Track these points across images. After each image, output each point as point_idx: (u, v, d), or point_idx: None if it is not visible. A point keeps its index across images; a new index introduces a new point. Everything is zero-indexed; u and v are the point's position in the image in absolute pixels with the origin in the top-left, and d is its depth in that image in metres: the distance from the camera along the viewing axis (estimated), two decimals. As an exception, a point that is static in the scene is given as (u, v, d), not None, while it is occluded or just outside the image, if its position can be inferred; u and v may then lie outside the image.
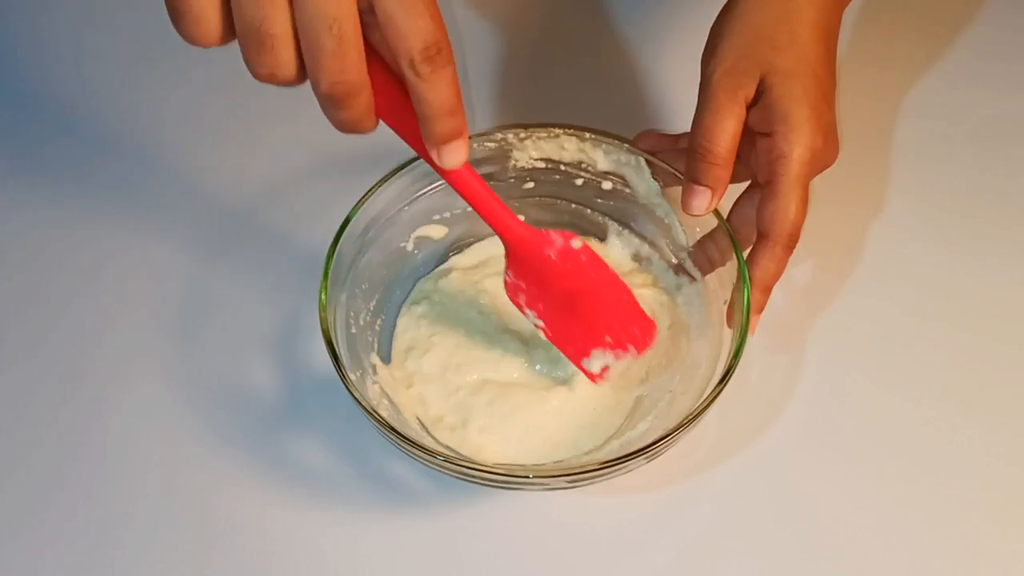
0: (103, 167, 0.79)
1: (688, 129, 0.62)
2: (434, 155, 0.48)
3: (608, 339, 0.62)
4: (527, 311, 0.61)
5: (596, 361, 0.63)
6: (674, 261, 0.68)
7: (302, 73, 0.45)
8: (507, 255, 0.59)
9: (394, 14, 0.43)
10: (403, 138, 0.50)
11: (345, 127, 0.46)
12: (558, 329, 0.62)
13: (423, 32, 0.43)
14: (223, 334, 0.69)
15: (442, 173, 0.51)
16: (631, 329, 0.62)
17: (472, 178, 0.53)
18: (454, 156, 0.47)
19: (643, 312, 0.63)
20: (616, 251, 0.71)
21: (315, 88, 0.44)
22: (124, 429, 0.66)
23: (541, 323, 0.62)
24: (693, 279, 0.67)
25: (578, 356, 0.63)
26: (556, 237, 0.58)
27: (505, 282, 0.60)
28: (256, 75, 0.45)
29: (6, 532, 0.62)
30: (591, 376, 0.63)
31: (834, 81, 0.62)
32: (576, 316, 0.61)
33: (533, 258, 0.59)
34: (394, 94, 0.47)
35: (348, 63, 0.43)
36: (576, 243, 0.59)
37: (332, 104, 0.45)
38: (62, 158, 0.79)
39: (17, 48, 0.87)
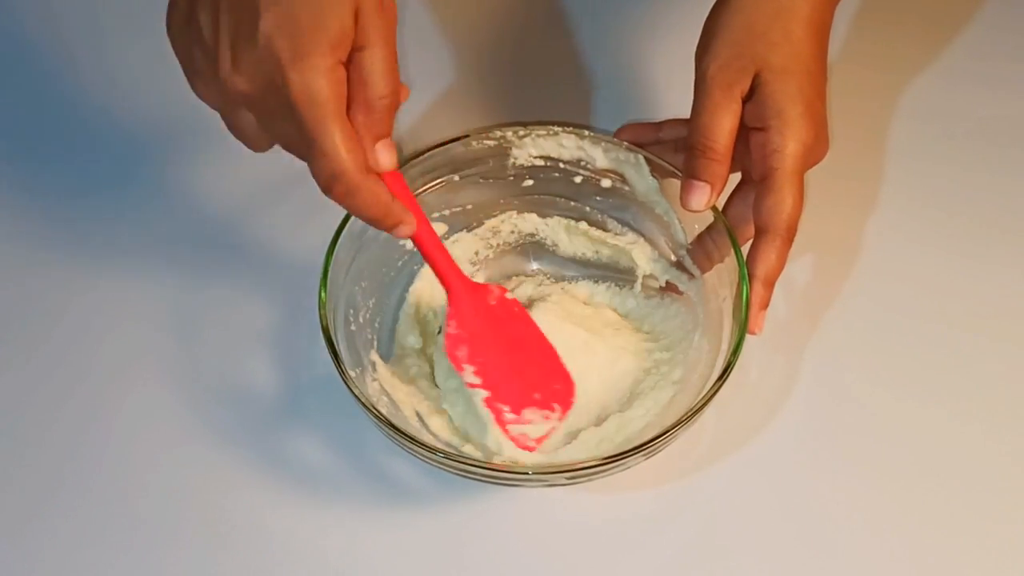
0: (102, 165, 0.79)
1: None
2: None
3: (537, 396, 0.63)
4: (465, 367, 0.61)
5: (526, 425, 0.63)
6: (673, 259, 0.69)
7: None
8: (450, 306, 0.61)
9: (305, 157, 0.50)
10: None
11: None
12: (494, 384, 0.62)
13: (325, 173, 0.50)
14: (223, 332, 0.69)
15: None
16: (555, 386, 0.64)
17: (427, 232, 0.58)
18: (400, 233, 0.56)
19: (565, 369, 0.64)
20: None
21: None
22: (124, 428, 0.66)
23: (478, 380, 0.62)
24: (692, 276, 0.67)
25: (513, 410, 0.62)
26: (494, 288, 0.63)
27: (447, 335, 0.61)
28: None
29: (6, 532, 0.62)
30: (521, 444, 0.62)
31: (825, 77, 0.62)
32: (510, 369, 0.63)
33: (476, 307, 0.62)
34: None
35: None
36: (509, 295, 0.64)
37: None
38: (60, 156, 0.79)
39: (15, 46, 0.87)
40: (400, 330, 0.68)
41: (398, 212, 0.54)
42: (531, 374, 0.63)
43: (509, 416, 0.62)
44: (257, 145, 0.53)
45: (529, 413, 0.63)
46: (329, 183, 0.50)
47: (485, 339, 0.62)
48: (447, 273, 0.60)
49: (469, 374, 0.62)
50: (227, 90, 0.49)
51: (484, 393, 0.61)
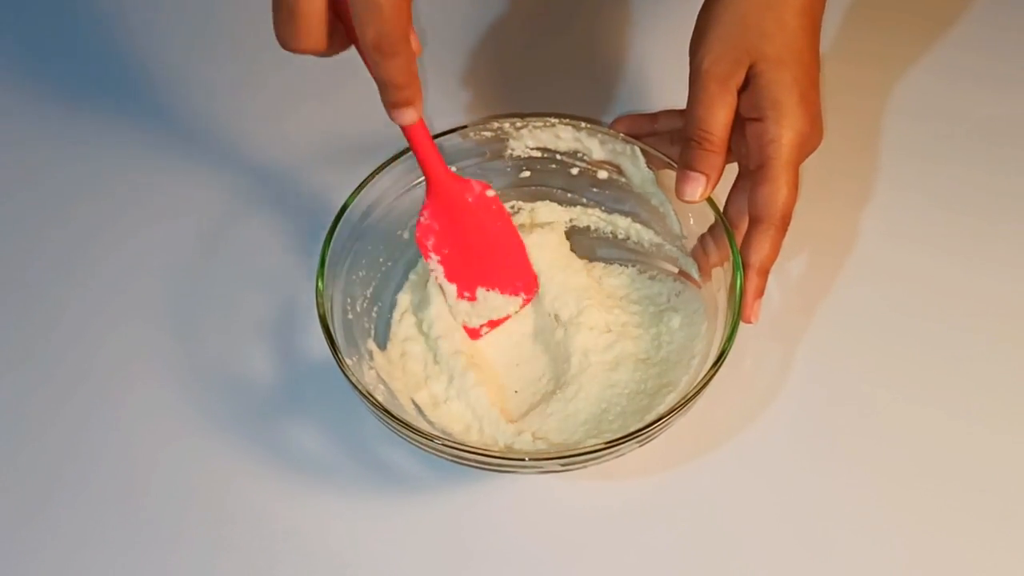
0: (99, 160, 0.79)
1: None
2: (389, 115, 0.56)
3: (497, 288, 0.67)
4: (431, 254, 0.65)
5: (475, 308, 0.66)
6: (668, 249, 0.69)
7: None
8: (428, 197, 0.63)
9: (355, 5, 0.50)
10: None
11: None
12: (454, 271, 0.66)
13: (376, 26, 0.50)
14: (221, 322, 0.70)
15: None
16: (516, 282, 0.67)
17: (420, 124, 0.59)
18: (403, 117, 0.56)
19: (531, 267, 0.67)
20: None
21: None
22: (124, 422, 0.66)
23: (440, 268, 0.65)
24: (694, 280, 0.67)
25: (466, 291, 0.66)
26: (475, 184, 0.64)
27: (418, 223, 0.64)
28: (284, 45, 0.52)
29: (8, 528, 0.62)
30: (469, 331, 0.67)
31: (819, 66, 0.63)
32: (474, 259, 0.66)
33: (453, 200, 0.63)
34: None
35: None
36: (490, 192, 0.65)
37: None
38: (58, 152, 0.80)
39: (19, 41, 0.87)
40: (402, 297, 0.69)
41: (417, 89, 0.54)
42: (496, 267, 0.66)
43: (461, 296, 0.66)
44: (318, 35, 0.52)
45: (483, 294, 0.66)
46: (376, 41, 0.51)
47: (454, 230, 0.65)
48: (430, 163, 0.61)
49: (433, 262, 0.65)
50: None
51: (441, 271, 0.65)
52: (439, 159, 0.61)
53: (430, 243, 0.64)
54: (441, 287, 0.65)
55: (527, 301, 0.67)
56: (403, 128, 0.58)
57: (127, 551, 0.61)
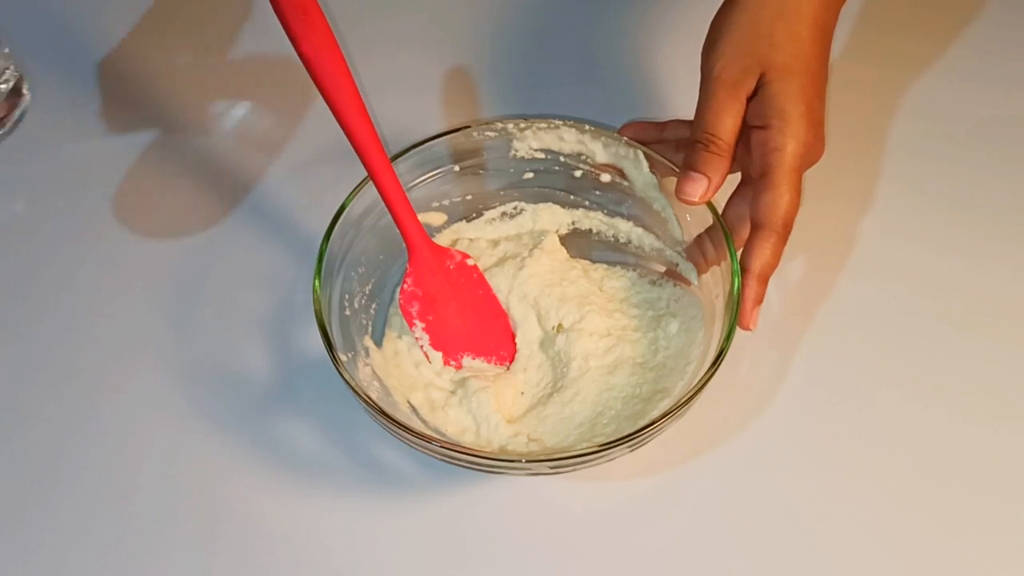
0: (95, 155, 0.79)
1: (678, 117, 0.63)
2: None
3: (480, 353, 0.67)
4: (416, 322, 0.65)
5: (460, 375, 0.66)
6: (668, 254, 0.69)
7: None
8: (410, 263, 0.65)
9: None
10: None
11: None
12: (439, 339, 0.66)
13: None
14: (218, 319, 0.70)
15: (373, 179, 0.60)
16: (500, 350, 0.67)
17: (397, 187, 0.61)
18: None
19: (512, 335, 0.68)
20: None
21: None
22: (118, 414, 0.66)
23: (426, 336, 0.66)
24: (688, 283, 0.67)
25: (447, 360, 0.66)
26: (455, 253, 0.67)
27: (402, 290, 0.65)
28: None
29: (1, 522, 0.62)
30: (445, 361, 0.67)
31: (826, 78, 0.63)
32: (458, 327, 0.66)
33: (434, 267, 0.65)
34: None
35: None
36: (470, 261, 0.67)
37: None
38: (54, 147, 0.80)
39: (15, 35, 0.88)
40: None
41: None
42: (479, 334, 0.67)
43: (447, 364, 0.66)
44: None
45: (468, 362, 0.67)
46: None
47: (438, 297, 0.66)
48: (410, 229, 0.63)
49: (419, 330, 0.65)
50: None
51: (427, 339, 0.66)
52: (419, 225, 0.64)
53: (414, 310, 0.65)
54: (427, 355, 0.66)
55: (507, 368, 0.67)
56: (383, 195, 0.61)
57: (118, 548, 0.61)
